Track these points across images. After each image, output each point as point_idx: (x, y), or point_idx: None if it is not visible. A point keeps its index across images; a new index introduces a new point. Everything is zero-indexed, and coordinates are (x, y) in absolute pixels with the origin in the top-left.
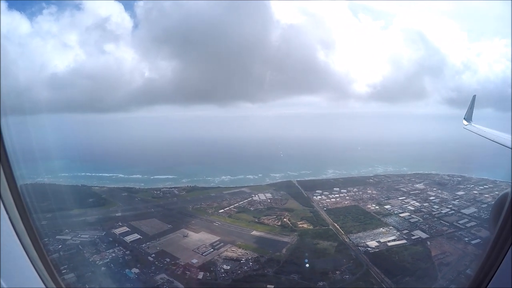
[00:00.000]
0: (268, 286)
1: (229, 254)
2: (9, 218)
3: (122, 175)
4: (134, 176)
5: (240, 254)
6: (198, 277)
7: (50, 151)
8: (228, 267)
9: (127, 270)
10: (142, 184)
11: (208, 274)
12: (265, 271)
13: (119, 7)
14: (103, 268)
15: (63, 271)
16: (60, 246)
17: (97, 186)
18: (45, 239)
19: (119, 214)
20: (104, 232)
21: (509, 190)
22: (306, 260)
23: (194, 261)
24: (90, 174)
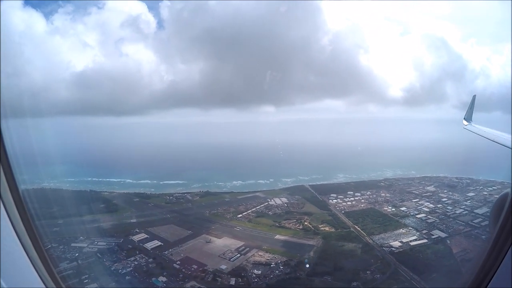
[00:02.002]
0: None
1: (257, 258)
2: (9, 218)
3: (131, 180)
4: (143, 181)
5: (268, 258)
6: (231, 283)
7: (56, 155)
8: (259, 272)
9: (153, 278)
10: (153, 189)
11: (240, 280)
12: (297, 274)
13: (143, 7)
14: (127, 277)
15: (85, 281)
16: (77, 254)
17: (106, 192)
18: (61, 247)
19: (134, 220)
20: (122, 239)
21: (509, 190)
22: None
23: (223, 267)
24: (97, 179)
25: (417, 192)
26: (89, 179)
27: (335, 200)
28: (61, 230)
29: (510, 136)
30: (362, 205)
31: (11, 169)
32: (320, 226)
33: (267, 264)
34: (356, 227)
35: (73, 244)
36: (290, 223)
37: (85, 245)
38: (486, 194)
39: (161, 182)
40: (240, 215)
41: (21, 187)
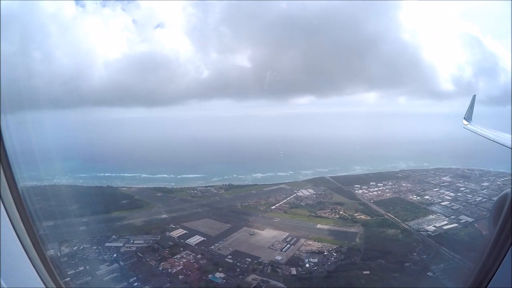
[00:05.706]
0: (364, 272)
1: (309, 248)
2: (9, 218)
3: (146, 175)
4: (159, 175)
5: (319, 246)
6: (292, 273)
7: (69, 150)
8: (316, 260)
9: (210, 275)
10: (173, 183)
11: (300, 269)
12: (353, 259)
13: None
14: (180, 276)
15: (134, 284)
16: (115, 255)
17: (124, 187)
18: (94, 247)
19: (165, 215)
20: (159, 236)
21: (509, 190)
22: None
23: (278, 258)
24: (111, 175)
25: (435, 182)
26: (101, 174)
27: (361, 191)
28: (88, 229)
29: (509, 136)
30: (387, 195)
31: (11, 169)
32: (355, 214)
33: (320, 252)
34: (389, 214)
35: (107, 244)
36: (325, 212)
37: (121, 244)
38: (500, 184)
39: (179, 176)
40: (274, 207)
41: (22, 186)
